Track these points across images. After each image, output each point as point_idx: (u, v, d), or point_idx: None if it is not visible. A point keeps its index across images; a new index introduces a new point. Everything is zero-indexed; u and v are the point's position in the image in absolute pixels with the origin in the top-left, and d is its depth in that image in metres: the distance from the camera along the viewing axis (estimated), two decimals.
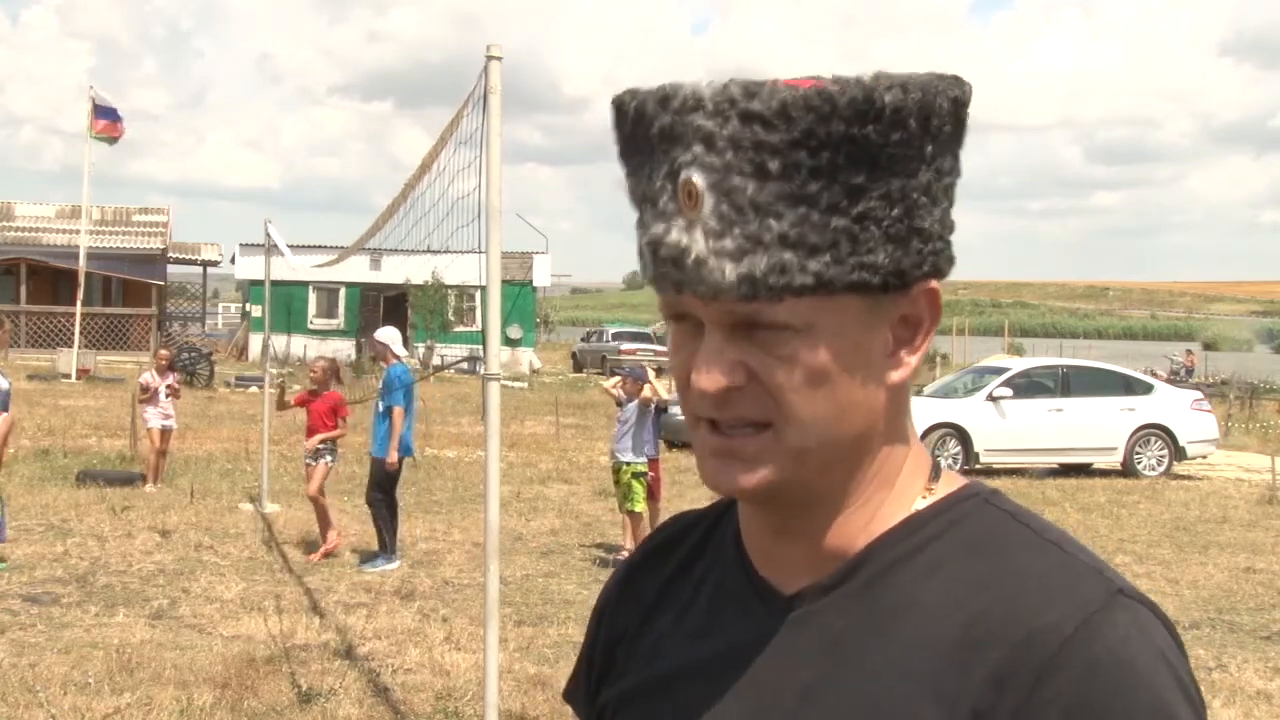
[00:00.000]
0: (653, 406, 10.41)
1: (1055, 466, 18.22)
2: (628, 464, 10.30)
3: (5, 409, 9.07)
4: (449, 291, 36.94)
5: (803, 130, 0.90)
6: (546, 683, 6.81)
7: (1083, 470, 18.15)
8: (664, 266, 0.94)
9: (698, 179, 0.91)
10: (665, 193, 0.93)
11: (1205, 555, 11.73)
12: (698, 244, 0.91)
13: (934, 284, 0.99)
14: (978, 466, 17.00)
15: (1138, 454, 17.98)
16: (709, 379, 0.94)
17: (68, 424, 18.94)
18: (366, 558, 10.17)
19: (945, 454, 16.80)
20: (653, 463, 10.58)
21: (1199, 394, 19.91)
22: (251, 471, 14.20)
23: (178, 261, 43.60)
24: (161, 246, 40.01)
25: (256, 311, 35.01)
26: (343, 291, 39.63)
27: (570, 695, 1.23)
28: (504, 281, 6.13)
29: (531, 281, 40.40)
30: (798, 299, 0.92)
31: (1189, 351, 41.42)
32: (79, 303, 30.08)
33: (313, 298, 39.48)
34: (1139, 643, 0.92)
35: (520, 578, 9.79)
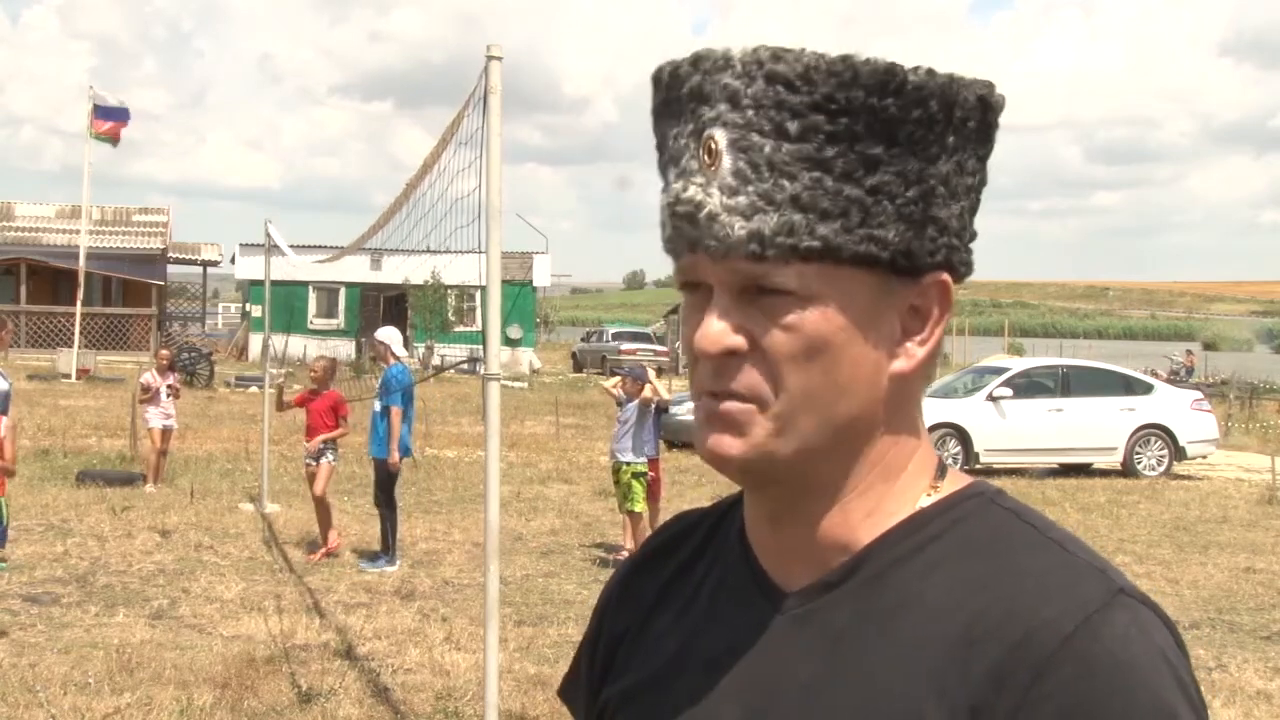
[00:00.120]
0: (653, 406, 10.41)
1: (1055, 466, 18.22)
2: (627, 464, 10.30)
3: (4, 411, 9.05)
4: (449, 291, 36.94)
5: (823, 94, 0.92)
6: (546, 683, 6.81)
7: (1083, 470, 18.15)
8: (679, 222, 0.96)
9: (719, 135, 0.94)
10: (688, 151, 0.96)
11: (1205, 555, 11.74)
12: (712, 199, 0.94)
13: (945, 277, 0.99)
14: (978, 467, 17.00)
15: (1138, 454, 17.98)
16: (710, 339, 0.95)
17: (68, 424, 18.95)
18: (367, 557, 10.18)
19: (945, 454, 16.79)
20: (653, 463, 10.58)
21: (1199, 394, 19.92)
22: (251, 471, 14.21)
23: (178, 261, 43.62)
24: (161, 246, 40.02)
25: (256, 311, 35.00)
26: (343, 291, 39.65)
27: (566, 693, 1.22)
28: (504, 281, 6.12)
29: (531, 281, 40.41)
30: (805, 264, 0.93)
31: (1189, 351, 41.40)
32: (79, 303, 30.10)
33: (313, 298, 39.49)
34: (1139, 642, 0.92)
35: (520, 578, 9.79)
